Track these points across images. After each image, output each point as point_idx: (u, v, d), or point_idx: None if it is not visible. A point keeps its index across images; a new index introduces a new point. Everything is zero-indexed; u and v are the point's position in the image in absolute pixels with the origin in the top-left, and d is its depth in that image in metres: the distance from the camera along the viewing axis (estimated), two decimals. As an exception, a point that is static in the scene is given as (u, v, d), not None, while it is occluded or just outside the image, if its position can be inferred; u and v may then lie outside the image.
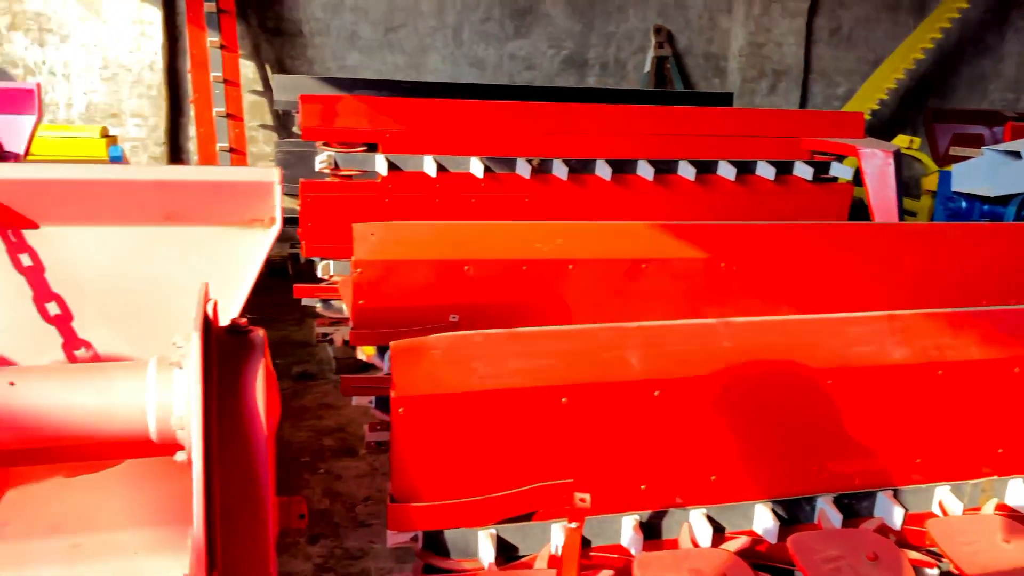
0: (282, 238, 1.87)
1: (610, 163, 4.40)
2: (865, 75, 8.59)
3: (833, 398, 1.86)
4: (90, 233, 1.74)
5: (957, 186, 5.14)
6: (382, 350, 3.49)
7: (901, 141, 6.77)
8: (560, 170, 4.34)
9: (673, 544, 1.86)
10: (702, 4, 8.43)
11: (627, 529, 1.82)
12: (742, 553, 1.79)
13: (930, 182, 6.57)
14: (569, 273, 3.01)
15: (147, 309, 1.77)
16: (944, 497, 1.97)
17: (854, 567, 1.70)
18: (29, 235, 1.71)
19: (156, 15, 7.29)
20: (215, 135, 6.81)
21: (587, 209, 4.24)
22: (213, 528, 1.28)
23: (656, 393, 1.74)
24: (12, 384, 1.38)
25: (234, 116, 6.84)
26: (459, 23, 8.05)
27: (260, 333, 1.47)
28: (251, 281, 1.79)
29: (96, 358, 1.72)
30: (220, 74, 6.82)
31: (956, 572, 1.80)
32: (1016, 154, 4.72)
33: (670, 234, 2.85)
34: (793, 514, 1.92)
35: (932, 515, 1.95)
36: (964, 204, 5.14)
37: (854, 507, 1.95)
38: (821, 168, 4.36)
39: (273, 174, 1.76)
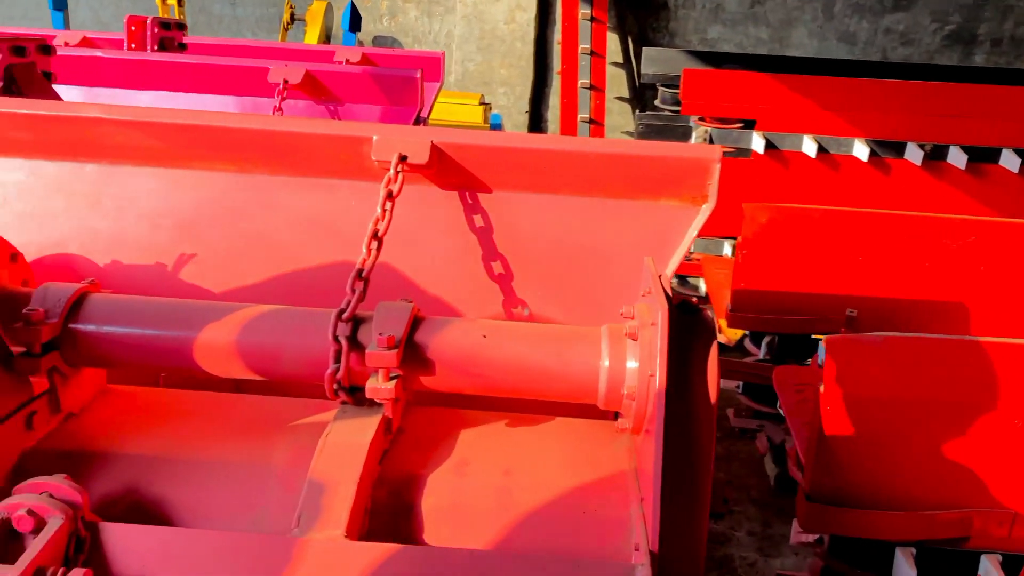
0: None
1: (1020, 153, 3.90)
2: None
3: None
4: (534, 199, 1.84)
5: None
6: (756, 336, 3.41)
7: None
8: (957, 158, 3.92)
9: None
10: None
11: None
12: None
13: None
14: (981, 276, 2.71)
15: (578, 276, 1.84)
16: None
17: None
18: (483, 198, 1.85)
19: (532, -12, 7.65)
20: (577, 106, 7.06)
21: (991, 204, 3.80)
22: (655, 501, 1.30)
23: None
24: (485, 336, 1.50)
25: (596, 88, 7.03)
26: (833, -6, 7.57)
27: (710, 313, 1.46)
28: (679, 258, 1.80)
29: (531, 317, 1.83)
30: (588, 46, 7.03)
31: None
32: None
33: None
34: None
35: None
36: None
37: None
38: None
39: (714, 152, 1.74)
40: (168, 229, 1.91)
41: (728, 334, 3.91)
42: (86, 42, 4.29)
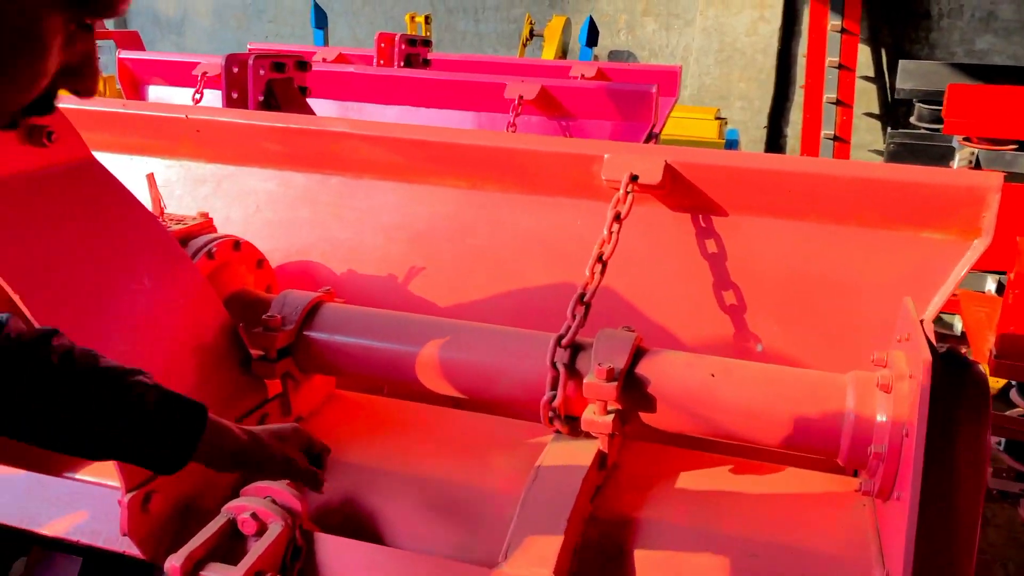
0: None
1: None
2: None
3: None
4: (775, 225, 1.69)
5: None
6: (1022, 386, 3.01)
7: None
8: None
9: None
10: None
11: None
12: None
13: None
14: None
15: (821, 313, 1.67)
16: None
17: None
18: (717, 222, 1.72)
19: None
20: (820, 122, 6.65)
21: None
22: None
23: None
24: (713, 375, 1.38)
25: (843, 103, 6.59)
26: None
27: (982, 369, 1.25)
28: (943, 300, 1.58)
29: (764, 356, 1.68)
30: (836, 59, 6.61)
31: None
32: None
33: None
34: None
35: None
36: None
37: None
38: None
39: (993, 179, 1.51)
40: (402, 242, 1.95)
41: (990, 382, 3.47)
42: (341, 58, 4.59)
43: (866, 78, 7.23)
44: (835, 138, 6.58)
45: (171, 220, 1.70)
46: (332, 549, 1.32)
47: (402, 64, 4.08)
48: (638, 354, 1.45)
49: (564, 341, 1.45)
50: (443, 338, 1.60)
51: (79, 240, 1.32)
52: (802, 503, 1.43)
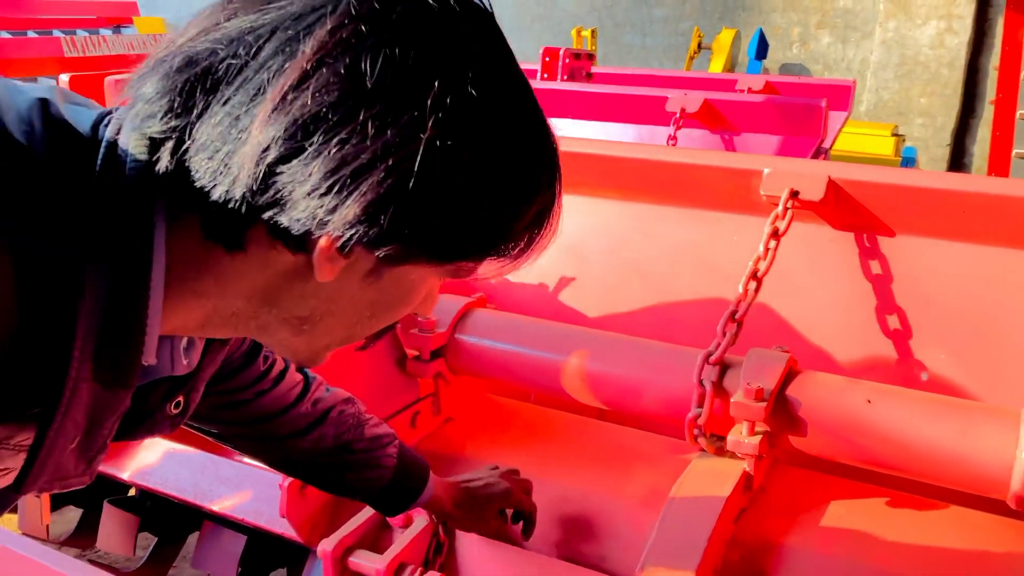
0: None
1: None
2: None
3: None
4: (949, 248, 1.59)
5: None
6: None
7: None
8: None
9: None
10: None
11: None
12: None
13: None
14: None
15: (997, 343, 1.56)
16: None
17: None
18: (883, 242, 1.65)
19: (968, 9, 6.87)
20: (1012, 139, 6.18)
21: None
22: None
23: None
24: (869, 401, 1.32)
25: (1039, 119, 6.09)
26: None
27: None
28: None
29: (929, 385, 1.59)
30: (1032, 72, 6.12)
31: None
32: None
33: None
34: None
35: None
36: None
37: None
38: None
39: None
40: (554, 251, 1.95)
41: None
42: (508, 72, 4.68)
43: (1068, 93, 6.65)
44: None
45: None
46: (473, 548, 1.35)
47: (566, 78, 4.12)
48: (790, 375, 1.40)
49: (713, 358, 1.43)
50: (591, 349, 1.61)
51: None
52: (965, 545, 1.34)
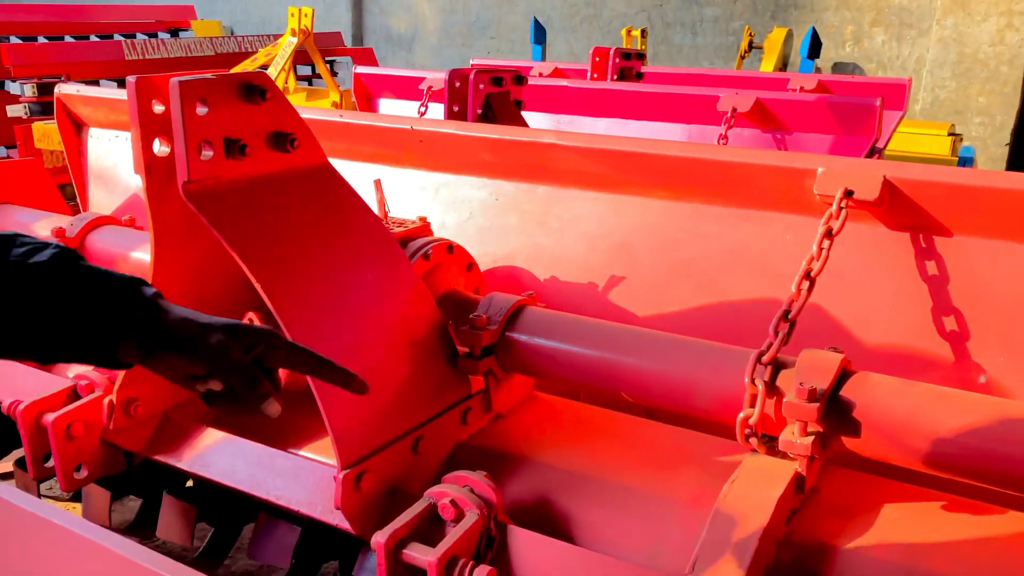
0: None
1: None
2: None
3: None
4: (1009, 249, 1.56)
5: None
6: None
7: None
8: None
9: None
10: None
11: None
12: None
13: None
14: None
15: (1057, 344, 1.53)
16: None
17: None
18: (940, 243, 1.62)
19: (1030, 4, 6.70)
20: (1075, 138, 6.01)
21: None
22: None
23: None
24: (926, 403, 1.31)
25: (1104, 117, 5.91)
26: None
27: None
28: None
29: (987, 388, 1.56)
30: (1097, 69, 5.95)
31: None
32: None
33: None
34: None
35: None
36: None
37: None
38: None
39: None
40: (603, 251, 1.98)
41: None
42: (557, 72, 4.70)
43: None
44: (1092, 157, 5.93)
45: (394, 223, 1.84)
46: (524, 543, 1.37)
47: (615, 78, 4.12)
48: (843, 376, 1.39)
49: (765, 358, 1.42)
50: (641, 347, 1.61)
51: (314, 236, 1.46)
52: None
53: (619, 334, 1.67)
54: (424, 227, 1.87)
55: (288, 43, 5.75)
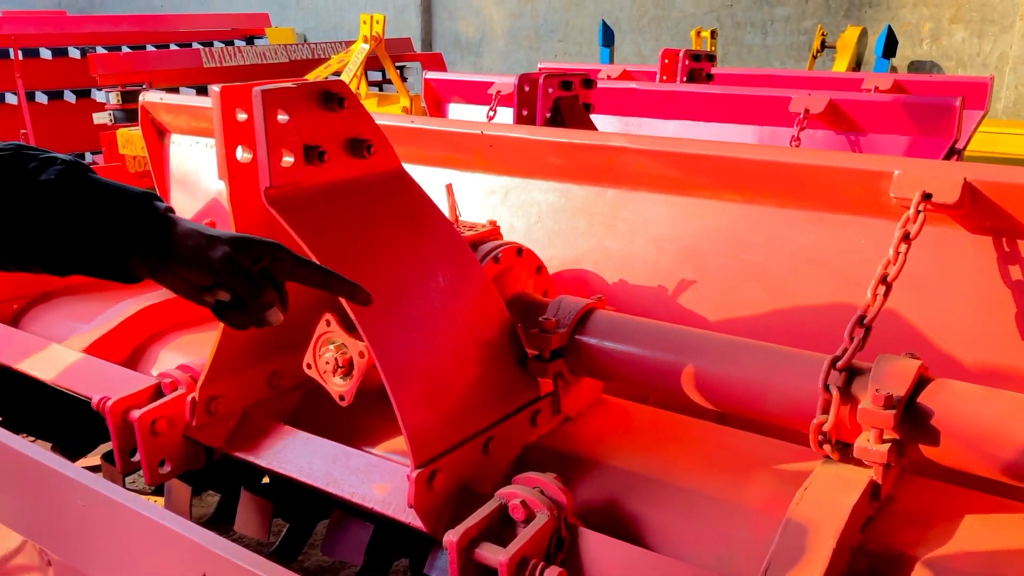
0: None
1: None
2: None
3: None
4: (1096, 253, 1.52)
5: None
6: None
7: None
8: None
9: None
10: None
11: None
12: None
13: None
14: None
15: None
16: None
17: None
18: (1024, 246, 1.58)
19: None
20: None
21: None
22: None
23: None
24: (1011, 412, 1.27)
25: None
26: None
27: None
28: None
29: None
30: None
31: None
32: None
33: None
34: None
35: None
36: None
37: None
38: None
39: None
40: (673, 254, 1.98)
41: None
42: (625, 75, 4.69)
43: None
44: None
45: (464, 227, 1.86)
46: (594, 545, 1.37)
47: (684, 79, 4.09)
48: (921, 382, 1.36)
49: (840, 364, 1.40)
50: (711, 351, 1.60)
51: (388, 240, 1.49)
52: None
53: (689, 338, 1.66)
54: (494, 231, 1.89)
55: (360, 50, 5.86)
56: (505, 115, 3.61)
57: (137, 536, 1.38)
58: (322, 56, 6.67)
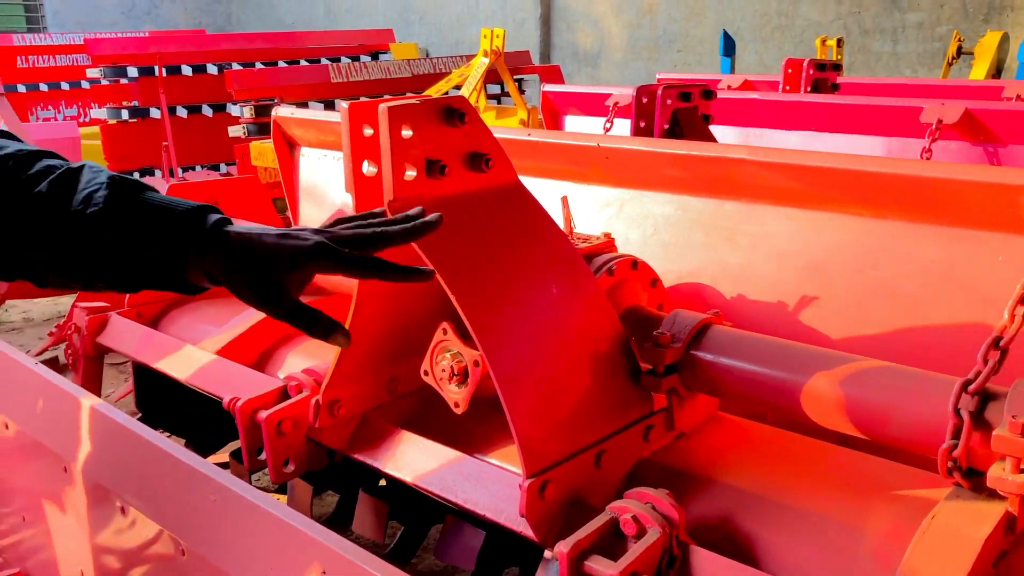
0: None
1: None
2: None
3: None
4: None
5: None
6: None
7: None
8: None
9: None
10: None
11: None
12: None
13: None
14: None
15: None
16: None
17: None
18: None
19: None
20: None
21: None
22: None
23: None
24: None
25: None
26: None
27: None
28: None
29: None
30: None
31: None
32: None
33: None
34: None
35: None
36: None
37: None
38: None
39: None
40: (795, 269, 1.93)
41: None
42: (747, 85, 4.60)
43: None
44: None
45: (579, 239, 1.87)
46: (707, 564, 1.35)
47: (808, 89, 3.98)
48: (1064, 410, 1.28)
49: (972, 387, 1.33)
50: (834, 370, 1.55)
51: (504, 251, 1.52)
52: None
53: (811, 356, 1.61)
54: (609, 243, 1.89)
55: (480, 64, 5.97)
56: (622, 127, 3.60)
57: (262, 530, 1.44)
58: (443, 70, 6.83)
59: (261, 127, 5.54)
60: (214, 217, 1.18)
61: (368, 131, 1.52)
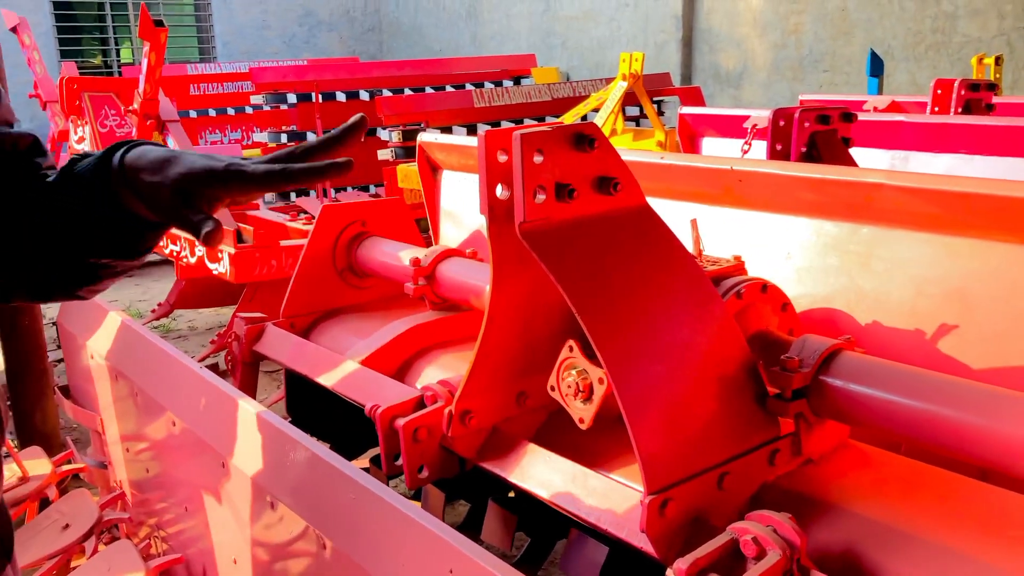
0: None
1: None
2: None
3: None
4: None
5: None
6: None
7: None
8: None
9: None
10: None
11: None
12: None
13: None
14: None
15: None
16: None
17: None
18: None
19: None
20: None
21: None
22: None
23: None
24: None
25: None
26: None
27: None
28: None
29: None
30: None
31: None
32: None
33: None
34: None
35: None
36: None
37: None
38: None
39: None
40: (933, 296, 1.88)
41: None
42: (894, 106, 4.45)
43: None
44: None
45: (707, 261, 1.89)
46: (826, 591, 1.34)
47: (960, 110, 3.81)
48: None
49: (1122, 423, 1.27)
50: (975, 402, 1.51)
51: (631, 272, 1.56)
52: None
53: (950, 386, 1.57)
54: (738, 266, 1.90)
55: (618, 87, 6.02)
56: (760, 149, 3.57)
57: (398, 531, 1.54)
58: (583, 94, 6.92)
59: (408, 151, 5.80)
60: (124, 146, 1.20)
61: (502, 157, 1.61)
